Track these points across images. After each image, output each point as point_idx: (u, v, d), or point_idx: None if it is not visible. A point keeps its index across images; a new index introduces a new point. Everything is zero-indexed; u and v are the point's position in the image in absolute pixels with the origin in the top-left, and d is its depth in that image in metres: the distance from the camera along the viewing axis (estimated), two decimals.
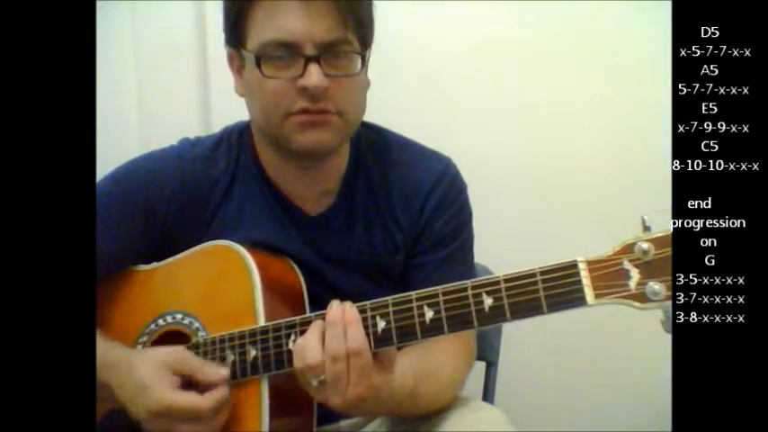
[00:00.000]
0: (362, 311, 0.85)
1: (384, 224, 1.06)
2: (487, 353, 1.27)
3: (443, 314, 0.82)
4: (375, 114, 1.09)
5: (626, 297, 0.75)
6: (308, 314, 0.91)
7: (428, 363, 0.96)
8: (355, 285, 1.03)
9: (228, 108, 1.08)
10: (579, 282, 0.76)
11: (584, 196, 1.55)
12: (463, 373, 1.04)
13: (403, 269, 1.07)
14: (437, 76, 1.57)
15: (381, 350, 0.85)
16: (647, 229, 0.75)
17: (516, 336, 1.32)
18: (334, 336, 0.83)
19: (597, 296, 0.76)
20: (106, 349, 0.94)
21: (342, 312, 0.84)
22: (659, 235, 0.74)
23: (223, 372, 0.91)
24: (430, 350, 0.96)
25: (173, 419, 0.88)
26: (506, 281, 0.79)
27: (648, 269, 0.74)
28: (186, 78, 1.62)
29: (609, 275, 0.76)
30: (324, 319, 0.85)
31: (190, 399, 0.89)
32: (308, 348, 0.84)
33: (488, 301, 0.80)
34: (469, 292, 0.81)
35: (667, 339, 0.69)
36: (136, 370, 0.91)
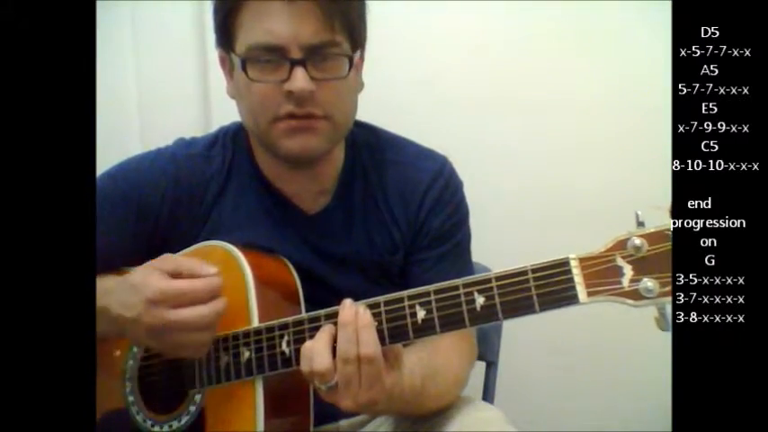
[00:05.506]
0: None
1: (382, 223, 1.06)
2: (487, 353, 1.27)
3: (435, 313, 0.81)
4: (374, 115, 1.09)
5: (619, 294, 0.74)
6: (302, 314, 0.90)
7: (435, 361, 0.95)
8: (353, 285, 1.03)
9: (228, 108, 1.08)
10: (571, 279, 0.75)
11: (584, 196, 1.55)
12: (467, 371, 1.04)
13: (401, 268, 1.07)
14: (436, 76, 1.57)
15: (389, 348, 0.83)
16: (640, 224, 0.75)
17: (516, 336, 1.32)
18: (346, 339, 0.81)
19: (590, 294, 0.75)
20: (103, 277, 0.93)
21: (355, 315, 0.82)
22: (652, 231, 0.74)
23: (212, 269, 0.89)
24: (436, 349, 0.95)
25: (169, 305, 0.86)
26: (498, 279, 0.79)
27: (642, 265, 0.74)
28: (186, 78, 1.62)
29: (601, 272, 0.75)
30: (332, 321, 0.84)
31: (185, 282, 0.88)
32: (316, 353, 0.82)
33: (480, 300, 0.79)
34: (461, 290, 0.80)
35: (667, 339, 0.68)
36: (128, 277, 0.91)
